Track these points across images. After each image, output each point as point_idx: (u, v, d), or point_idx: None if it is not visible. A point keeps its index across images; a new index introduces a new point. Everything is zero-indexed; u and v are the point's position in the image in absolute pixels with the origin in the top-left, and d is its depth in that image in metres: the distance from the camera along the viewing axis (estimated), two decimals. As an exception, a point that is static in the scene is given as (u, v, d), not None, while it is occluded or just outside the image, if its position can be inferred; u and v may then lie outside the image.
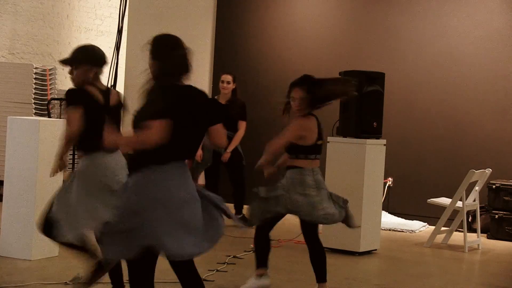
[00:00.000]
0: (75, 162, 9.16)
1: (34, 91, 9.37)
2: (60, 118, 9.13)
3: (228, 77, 8.87)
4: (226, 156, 8.80)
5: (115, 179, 4.77)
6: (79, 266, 6.14)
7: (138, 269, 3.80)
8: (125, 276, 5.24)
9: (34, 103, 9.42)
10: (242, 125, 8.86)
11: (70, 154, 9.16)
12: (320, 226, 8.04)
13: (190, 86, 3.99)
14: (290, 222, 9.65)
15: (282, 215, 5.81)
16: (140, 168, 3.77)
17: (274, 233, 8.67)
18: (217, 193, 9.07)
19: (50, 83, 9.48)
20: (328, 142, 7.85)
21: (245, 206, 8.63)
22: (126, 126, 4.65)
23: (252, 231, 8.57)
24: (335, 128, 7.91)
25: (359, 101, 7.77)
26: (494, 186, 9.23)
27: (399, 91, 10.18)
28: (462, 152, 9.91)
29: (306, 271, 6.86)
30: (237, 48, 11.43)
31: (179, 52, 3.98)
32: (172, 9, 11.75)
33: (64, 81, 10.74)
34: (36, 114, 9.36)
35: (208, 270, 6.43)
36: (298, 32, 11.02)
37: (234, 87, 8.89)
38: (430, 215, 9.61)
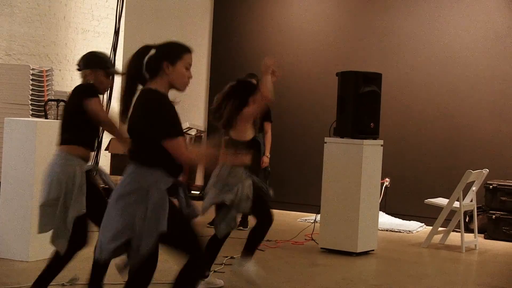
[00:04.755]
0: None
1: (31, 92, 9.35)
2: (57, 119, 9.11)
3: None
4: (266, 160, 8.65)
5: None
6: (76, 267, 6.14)
7: None
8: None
9: (31, 104, 9.39)
10: (269, 127, 8.73)
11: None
12: (317, 227, 8.06)
13: None
14: (288, 222, 9.68)
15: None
16: None
17: (272, 233, 8.69)
18: None
19: (47, 84, 9.45)
20: (325, 142, 7.86)
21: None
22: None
23: (247, 232, 8.58)
24: (332, 128, 7.91)
25: (356, 101, 7.78)
26: (491, 187, 9.23)
27: (396, 92, 10.19)
28: (459, 153, 9.92)
29: (303, 271, 6.87)
30: (234, 48, 11.43)
31: None
32: (168, 9, 11.75)
33: (60, 82, 10.73)
34: (33, 115, 9.34)
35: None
36: (295, 32, 11.02)
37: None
38: (427, 216, 9.61)
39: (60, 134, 5.04)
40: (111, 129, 4.99)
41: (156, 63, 3.90)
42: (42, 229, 4.99)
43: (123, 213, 3.80)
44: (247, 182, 5.75)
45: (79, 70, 5.15)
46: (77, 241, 5.00)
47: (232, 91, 6.00)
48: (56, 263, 5.06)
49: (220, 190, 5.74)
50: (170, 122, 3.84)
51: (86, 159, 5.03)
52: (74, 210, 4.88)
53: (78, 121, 4.94)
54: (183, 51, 3.96)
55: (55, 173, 4.91)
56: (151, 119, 3.81)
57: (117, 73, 5.19)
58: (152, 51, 3.94)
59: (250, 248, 5.93)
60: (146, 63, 3.91)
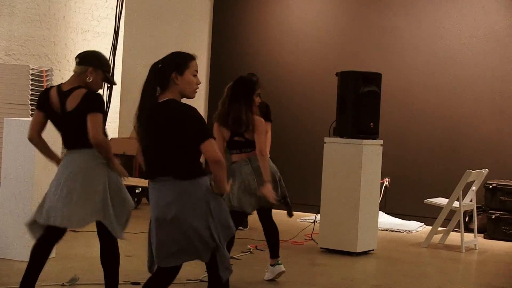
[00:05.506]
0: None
1: (30, 92, 9.35)
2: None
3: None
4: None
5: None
6: (76, 267, 6.14)
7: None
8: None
9: (31, 104, 9.40)
10: (269, 127, 8.72)
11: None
12: (317, 227, 8.06)
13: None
14: (288, 222, 9.67)
15: None
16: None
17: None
18: None
19: (46, 84, 9.44)
20: (325, 142, 7.86)
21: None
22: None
23: (247, 233, 8.59)
24: (332, 128, 7.92)
25: (355, 101, 7.78)
26: (491, 186, 9.23)
27: (396, 92, 10.19)
28: (459, 152, 9.92)
29: (303, 271, 6.87)
30: (234, 49, 11.42)
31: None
32: (168, 10, 11.75)
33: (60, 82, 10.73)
34: (32, 115, 9.35)
35: (205, 271, 6.41)
36: (294, 32, 11.02)
37: None
38: (427, 215, 9.61)
39: (75, 137, 4.85)
40: (104, 150, 4.83)
41: (165, 75, 4.04)
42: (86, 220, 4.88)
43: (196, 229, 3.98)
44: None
45: (79, 64, 4.91)
46: (53, 236, 4.93)
47: (235, 93, 6.02)
48: (37, 261, 4.97)
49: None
50: (204, 125, 3.99)
51: None
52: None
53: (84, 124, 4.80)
54: (188, 60, 4.09)
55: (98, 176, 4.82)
56: (190, 126, 3.94)
57: (113, 82, 5.11)
58: (160, 65, 4.07)
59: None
60: (156, 77, 4.05)
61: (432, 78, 10.13)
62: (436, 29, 10.15)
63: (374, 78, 8.01)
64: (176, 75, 4.02)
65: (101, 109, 4.81)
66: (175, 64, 4.05)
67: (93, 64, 4.90)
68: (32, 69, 9.42)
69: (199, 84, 4.12)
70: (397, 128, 10.21)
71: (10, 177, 6.50)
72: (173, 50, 4.16)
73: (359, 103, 7.79)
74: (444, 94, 10.06)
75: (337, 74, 8.01)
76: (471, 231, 8.76)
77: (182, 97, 4.08)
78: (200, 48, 11.61)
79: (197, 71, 4.11)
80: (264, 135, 6.05)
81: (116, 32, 9.64)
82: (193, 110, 3.99)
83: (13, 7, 10.10)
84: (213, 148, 3.92)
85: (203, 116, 4.07)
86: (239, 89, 6.05)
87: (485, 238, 9.16)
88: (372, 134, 7.91)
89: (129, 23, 11.64)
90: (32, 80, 9.37)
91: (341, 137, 7.82)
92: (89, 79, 4.88)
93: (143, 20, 11.76)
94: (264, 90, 9.41)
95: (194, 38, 11.64)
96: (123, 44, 11.52)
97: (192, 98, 4.13)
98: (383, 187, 9.80)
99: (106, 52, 9.60)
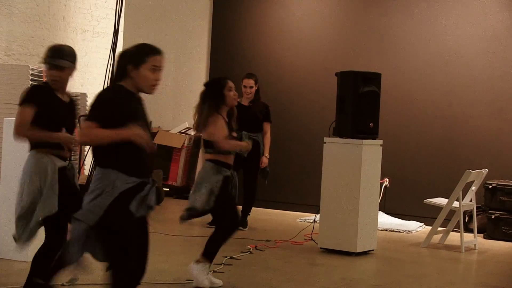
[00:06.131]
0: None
1: (30, 92, 9.36)
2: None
3: (251, 82, 8.74)
4: (265, 160, 8.67)
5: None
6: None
7: None
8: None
9: (31, 104, 9.39)
10: (268, 127, 8.75)
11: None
12: (317, 227, 8.06)
13: None
14: (287, 222, 9.69)
15: None
16: None
17: (271, 233, 8.70)
18: None
19: (46, 84, 9.46)
20: (325, 142, 7.86)
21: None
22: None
23: (246, 233, 8.59)
24: (331, 128, 7.92)
25: (355, 101, 7.78)
26: (490, 186, 9.24)
27: (396, 92, 10.19)
28: (459, 152, 9.92)
29: (303, 271, 6.87)
30: (233, 49, 11.43)
31: None
32: (168, 10, 11.75)
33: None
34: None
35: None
36: (294, 32, 11.02)
37: (256, 88, 8.81)
38: (427, 215, 9.62)
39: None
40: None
41: (122, 66, 3.96)
42: (25, 239, 4.89)
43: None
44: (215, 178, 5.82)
45: (65, 66, 4.84)
46: (52, 243, 4.95)
47: (203, 97, 5.96)
48: (39, 267, 4.98)
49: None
50: (96, 108, 3.87)
51: (62, 157, 4.86)
52: (43, 210, 4.76)
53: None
54: (148, 54, 3.96)
55: (27, 174, 4.78)
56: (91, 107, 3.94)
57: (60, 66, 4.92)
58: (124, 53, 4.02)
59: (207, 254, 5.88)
60: (117, 65, 3.97)
61: (432, 78, 10.14)
62: (435, 29, 10.15)
63: (373, 78, 8.02)
64: (131, 68, 3.93)
65: (28, 100, 4.74)
66: (133, 56, 3.94)
67: (75, 62, 4.92)
68: (32, 69, 9.42)
69: (158, 80, 3.96)
70: (396, 128, 10.21)
71: (10, 177, 6.50)
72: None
73: (358, 103, 7.79)
74: (444, 94, 10.06)
75: (336, 74, 8.01)
76: (471, 231, 8.76)
77: (138, 91, 3.98)
78: (200, 48, 11.62)
79: (157, 67, 3.96)
80: (214, 129, 5.84)
81: (115, 32, 9.64)
82: (102, 94, 3.92)
83: (13, 7, 10.10)
84: (83, 130, 3.83)
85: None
86: (206, 92, 5.96)
87: (484, 238, 9.16)
88: (372, 134, 7.91)
89: (128, 23, 11.64)
90: (32, 80, 9.37)
91: (341, 137, 7.82)
92: (70, 75, 4.89)
93: (143, 20, 11.76)
94: (264, 90, 9.45)
95: (194, 38, 11.65)
96: (123, 44, 11.52)
97: (150, 94, 3.99)
98: (382, 187, 9.80)
99: (106, 52, 9.64)
